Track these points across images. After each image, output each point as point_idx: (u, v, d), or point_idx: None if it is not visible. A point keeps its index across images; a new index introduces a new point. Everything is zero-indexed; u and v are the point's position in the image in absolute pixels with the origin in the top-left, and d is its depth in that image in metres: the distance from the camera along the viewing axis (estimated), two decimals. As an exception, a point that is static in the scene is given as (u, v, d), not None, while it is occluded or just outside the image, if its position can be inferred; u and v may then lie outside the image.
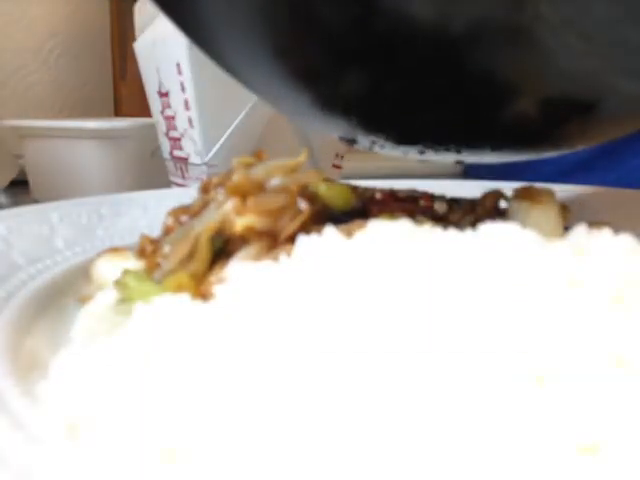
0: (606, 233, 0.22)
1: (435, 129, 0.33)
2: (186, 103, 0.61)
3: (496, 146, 0.34)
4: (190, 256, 0.29)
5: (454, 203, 0.35)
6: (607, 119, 0.32)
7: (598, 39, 0.25)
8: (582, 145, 0.38)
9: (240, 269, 0.24)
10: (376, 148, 0.36)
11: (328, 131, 0.38)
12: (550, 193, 0.33)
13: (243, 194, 0.30)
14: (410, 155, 0.36)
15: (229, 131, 0.62)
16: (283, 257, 0.24)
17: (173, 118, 0.65)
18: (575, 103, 0.30)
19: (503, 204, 0.35)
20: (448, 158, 0.35)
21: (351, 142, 0.35)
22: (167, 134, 0.68)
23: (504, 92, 0.29)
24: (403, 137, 0.34)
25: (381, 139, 0.34)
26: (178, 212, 0.33)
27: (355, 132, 0.35)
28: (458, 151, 0.34)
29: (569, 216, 0.35)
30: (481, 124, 0.32)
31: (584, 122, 0.31)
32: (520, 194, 0.33)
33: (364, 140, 0.35)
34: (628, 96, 0.29)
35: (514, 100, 0.30)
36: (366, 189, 0.34)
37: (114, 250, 0.34)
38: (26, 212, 0.44)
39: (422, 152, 0.34)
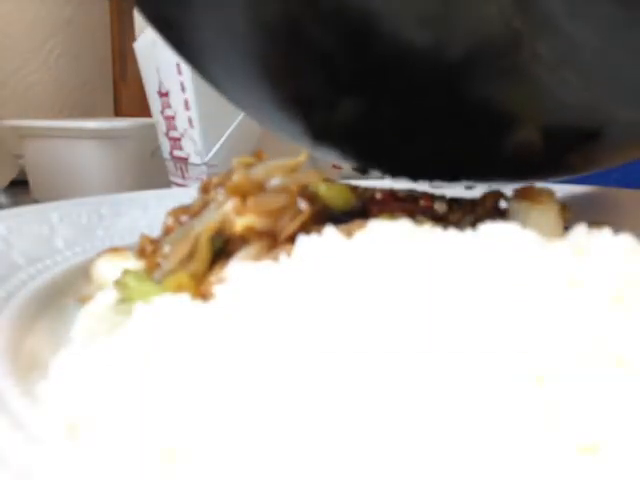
0: (606, 233, 0.22)
1: (433, 160, 0.33)
2: (186, 103, 0.61)
3: (497, 175, 0.34)
4: (190, 256, 0.29)
5: (454, 203, 0.35)
6: (609, 147, 0.31)
7: (595, 74, 0.25)
8: (584, 172, 0.37)
9: (240, 269, 0.24)
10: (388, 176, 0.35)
11: (324, 157, 0.38)
12: (550, 193, 0.33)
13: (243, 194, 0.30)
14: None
15: (229, 131, 0.62)
16: (283, 257, 0.24)
17: (173, 118, 0.65)
18: (576, 133, 0.29)
19: (503, 204, 0.35)
20: (457, 184, 0.35)
21: (363, 172, 0.35)
22: (167, 134, 0.68)
23: (503, 123, 0.29)
24: (398, 169, 0.34)
25: (376, 170, 0.34)
26: (178, 212, 0.33)
27: (348, 161, 0.34)
28: (458, 180, 0.34)
29: (569, 216, 0.35)
30: (481, 154, 0.32)
31: (586, 150, 0.31)
32: (520, 194, 0.33)
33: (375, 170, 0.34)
34: (628, 124, 0.29)
35: (513, 130, 0.30)
36: (366, 189, 0.34)
37: (114, 250, 0.34)
38: (26, 212, 0.44)
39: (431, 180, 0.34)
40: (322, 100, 0.31)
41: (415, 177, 0.34)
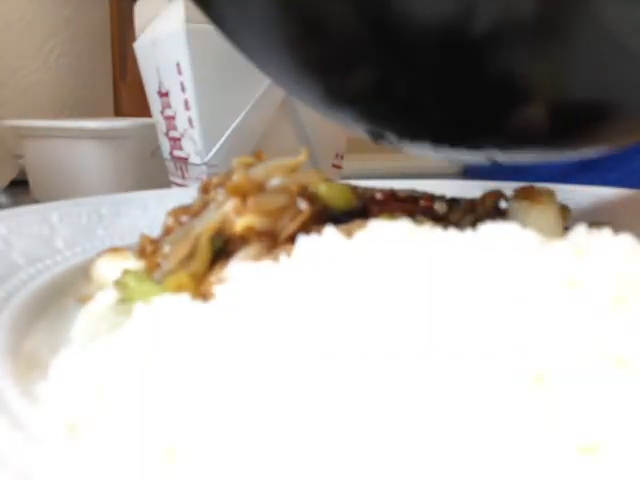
0: (606, 233, 0.22)
1: (448, 125, 0.32)
2: (186, 103, 0.61)
3: (499, 148, 0.33)
4: (190, 256, 0.29)
5: (454, 203, 0.35)
6: (620, 126, 0.31)
7: (623, 52, 0.25)
8: (596, 150, 0.37)
9: (240, 269, 0.24)
10: (404, 145, 0.35)
11: (343, 123, 0.37)
12: (550, 193, 0.33)
13: (243, 194, 0.30)
14: (439, 154, 0.35)
15: (229, 131, 0.62)
16: (283, 257, 0.24)
17: (173, 118, 0.65)
18: (591, 109, 0.29)
19: (503, 204, 0.35)
20: (478, 157, 0.35)
21: (378, 137, 0.35)
22: (167, 134, 0.68)
23: (519, 95, 0.29)
24: (409, 132, 0.33)
25: (389, 133, 0.34)
26: (178, 212, 0.33)
27: (364, 124, 0.34)
28: (472, 146, 0.33)
29: (569, 216, 0.35)
30: (496, 123, 0.31)
31: (600, 128, 0.31)
32: (520, 194, 0.33)
33: (390, 136, 0.34)
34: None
35: (527, 103, 0.29)
36: (366, 189, 0.34)
37: (114, 250, 0.34)
38: (26, 212, 0.44)
39: (454, 146, 0.34)
40: (339, 65, 0.31)
41: (432, 141, 0.34)
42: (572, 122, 0.30)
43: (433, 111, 0.31)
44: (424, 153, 0.36)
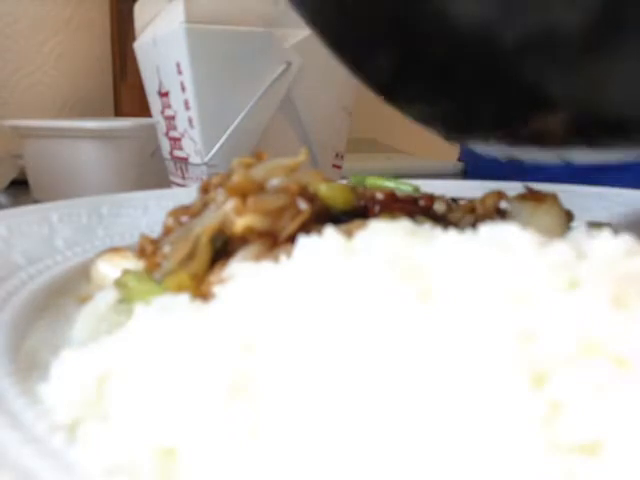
0: (606, 233, 0.22)
1: (465, 116, 0.32)
2: (186, 103, 0.61)
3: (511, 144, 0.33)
4: (190, 256, 0.29)
5: (454, 203, 0.35)
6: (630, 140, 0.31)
7: None
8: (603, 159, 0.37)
9: (240, 269, 0.24)
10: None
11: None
12: (554, 195, 0.33)
13: (243, 194, 0.30)
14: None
15: (229, 131, 0.62)
16: (283, 257, 0.24)
17: (173, 118, 0.65)
18: (608, 121, 0.29)
19: (503, 204, 0.35)
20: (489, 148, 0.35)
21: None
22: (167, 134, 0.68)
23: (540, 104, 0.29)
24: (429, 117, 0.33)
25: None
26: (178, 212, 0.33)
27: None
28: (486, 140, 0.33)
29: (572, 218, 0.35)
30: (513, 124, 0.31)
31: (609, 141, 0.31)
32: (524, 195, 0.33)
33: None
34: None
35: (546, 111, 0.29)
36: (366, 189, 0.34)
37: (114, 250, 0.34)
38: (26, 212, 0.44)
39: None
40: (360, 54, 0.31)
41: (445, 131, 0.34)
42: (604, 130, 0.30)
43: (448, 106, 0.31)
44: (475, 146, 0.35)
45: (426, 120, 0.33)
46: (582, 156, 0.35)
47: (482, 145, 0.34)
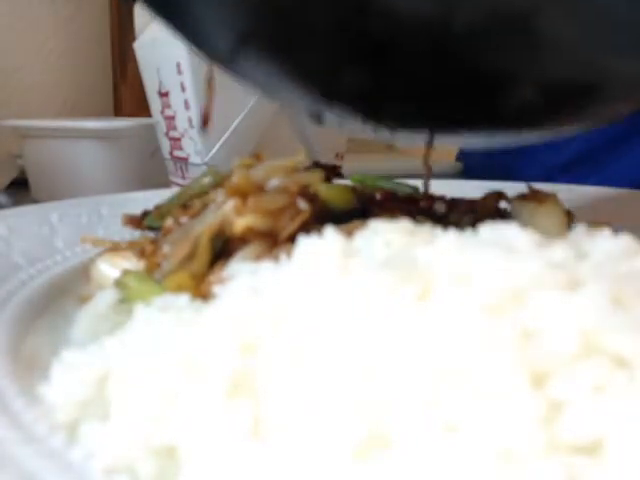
0: (606, 233, 0.22)
1: (431, 113, 0.32)
2: (186, 103, 0.61)
3: (494, 129, 0.33)
4: (190, 256, 0.29)
5: (454, 203, 0.35)
6: (606, 100, 0.31)
7: (598, 26, 0.25)
8: (580, 127, 0.37)
9: (240, 269, 0.24)
10: (346, 125, 0.35)
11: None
12: (555, 196, 0.33)
13: (243, 194, 0.30)
14: (407, 139, 0.35)
15: (229, 131, 0.62)
16: (283, 257, 0.24)
17: (173, 118, 0.65)
18: (574, 87, 0.29)
19: (503, 205, 0.35)
20: (450, 141, 0.35)
21: (318, 119, 0.35)
22: (167, 134, 0.68)
23: (501, 80, 0.29)
24: (407, 120, 0.33)
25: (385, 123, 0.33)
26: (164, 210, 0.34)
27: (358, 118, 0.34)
28: (459, 133, 0.33)
29: (573, 218, 0.35)
30: (479, 109, 0.31)
31: (583, 104, 0.31)
32: (525, 196, 0.33)
33: (332, 118, 0.34)
34: (625, 76, 0.29)
35: (510, 87, 0.30)
36: (366, 189, 0.34)
37: (114, 250, 0.34)
38: (26, 212, 0.44)
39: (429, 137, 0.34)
40: (322, 70, 0.31)
41: (413, 128, 0.34)
42: (563, 99, 0.30)
43: (430, 98, 0.31)
44: (421, 141, 0.36)
45: (411, 124, 0.34)
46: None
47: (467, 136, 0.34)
